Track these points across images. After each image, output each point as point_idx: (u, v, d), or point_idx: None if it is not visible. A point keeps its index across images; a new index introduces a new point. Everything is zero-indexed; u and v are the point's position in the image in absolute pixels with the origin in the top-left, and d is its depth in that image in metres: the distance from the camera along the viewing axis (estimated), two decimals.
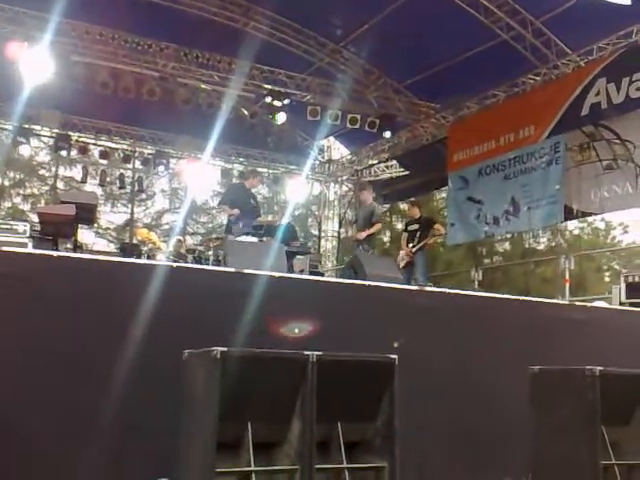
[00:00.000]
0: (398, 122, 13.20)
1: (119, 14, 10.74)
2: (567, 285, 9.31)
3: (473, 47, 11.04)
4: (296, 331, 4.69)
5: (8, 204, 17.07)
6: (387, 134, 13.11)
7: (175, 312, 4.47)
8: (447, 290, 6.24)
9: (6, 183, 17.06)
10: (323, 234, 16.86)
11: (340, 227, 17.00)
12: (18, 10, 10.39)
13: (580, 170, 10.52)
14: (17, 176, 17.36)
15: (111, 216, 18.00)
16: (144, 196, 17.59)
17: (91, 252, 10.87)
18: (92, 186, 15.01)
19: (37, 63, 10.06)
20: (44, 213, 7.36)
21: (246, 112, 12.98)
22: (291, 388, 3.22)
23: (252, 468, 3.10)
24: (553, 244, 17.84)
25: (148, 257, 9.39)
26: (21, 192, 17.56)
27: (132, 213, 17.29)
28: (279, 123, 12.65)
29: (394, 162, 15.03)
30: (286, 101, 12.06)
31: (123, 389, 4.10)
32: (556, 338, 5.76)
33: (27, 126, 13.30)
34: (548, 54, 10.83)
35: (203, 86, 12.43)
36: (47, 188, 17.57)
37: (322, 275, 11.34)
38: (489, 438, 5.28)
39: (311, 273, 9.22)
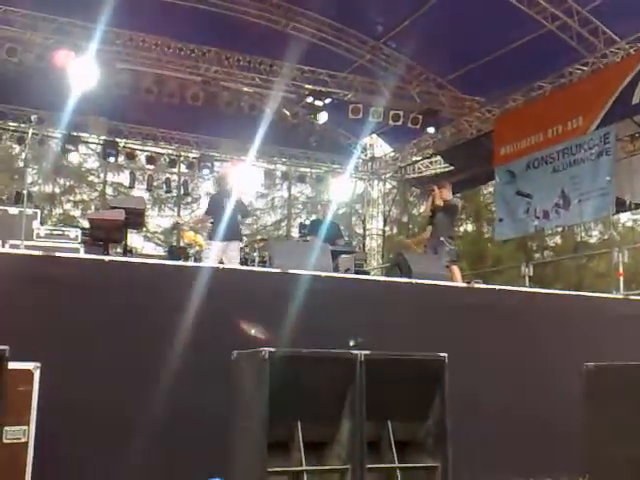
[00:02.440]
0: (441, 117, 13.02)
1: (161, 20, 10.91)
2: (621, 279, 9.03)
3: (517, 38, 10.80)
4: (343, 330, 4.68)
5: (59, 211, 17.49)
6: (431, 130, 12.95)
7: (222, 313, 4.51)
8: (496, 287, 6.15)
9: (57, 190, 17.49)
10: (368, 232, 16.78)
11: (385, 225, 16.90)
12: (64, 20, 10.64)
13: (632, 161, 10.23)
14: (67, 183, 17.78)
15: (158, 220, 18.28)
16: (190, 199, 17.82)
17: (141, 255, 11.07)
18: (139, 191, 15.23)
19: (83, 71, 10.27)
20: (94, 219, 7.54)
21: (288, 113, 13.04)
22: (340, 387, 3.20)
23: (304, 467, 3.10)
24: (605, 237, 17.36)
25: (195, 259, 9.51)
26: (71, 199, 17.98)
27: (179, 216, 17.53)
28: (321, 122, 12.66)
29: (438, 158, 14.86)
30: (327, 100, 12.05)
31: (173, 390, 4.16)
32: (611, 333, 5.61)
33: (75, 134, 13.60)
34: (595, 43, 10.54)
35: (245, 89, 12.53)
36: (96, 194, 17.95)
37: (368, 274, 11.30)
38: (543, 436, 5.17)
39: (357, 272, 9.16)
